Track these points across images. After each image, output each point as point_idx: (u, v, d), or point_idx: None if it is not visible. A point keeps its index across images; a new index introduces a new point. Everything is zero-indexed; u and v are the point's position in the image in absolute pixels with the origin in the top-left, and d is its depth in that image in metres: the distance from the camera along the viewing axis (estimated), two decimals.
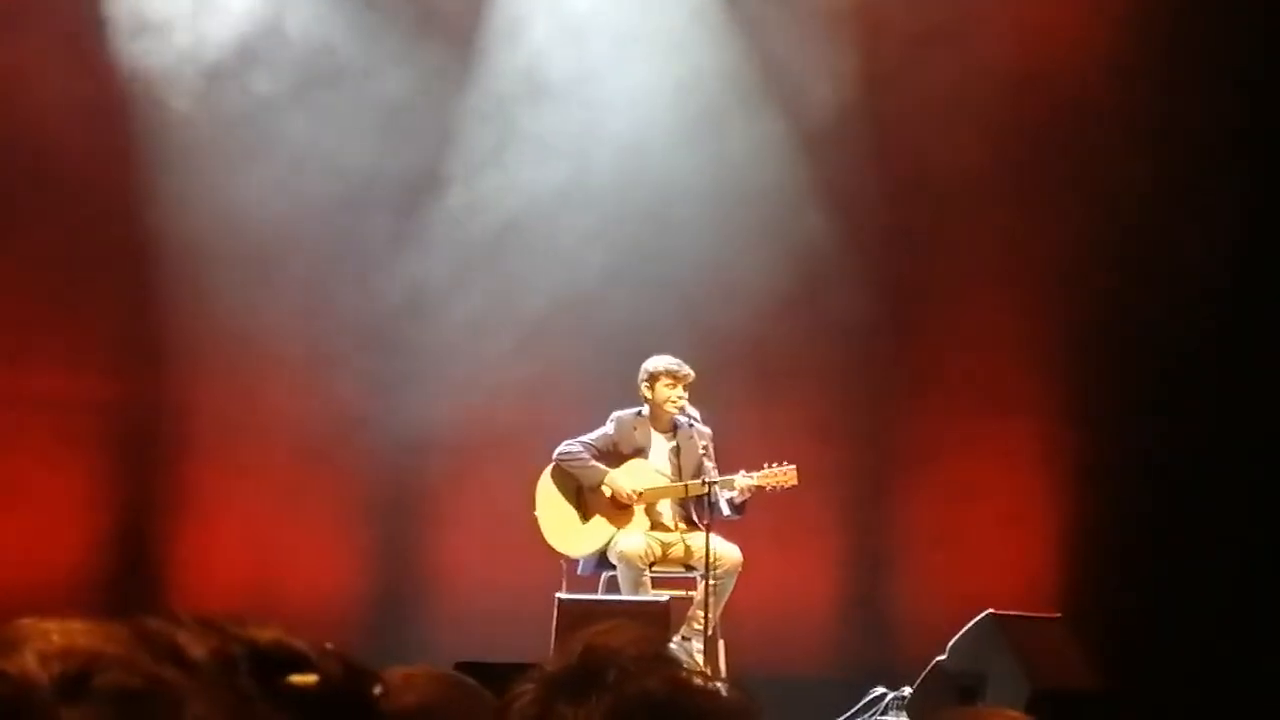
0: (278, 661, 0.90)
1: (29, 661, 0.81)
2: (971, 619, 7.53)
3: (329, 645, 0.92)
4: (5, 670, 0.81)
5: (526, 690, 1.26)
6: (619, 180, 9.63)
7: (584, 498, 8.13)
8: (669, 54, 9.65)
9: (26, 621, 0.84)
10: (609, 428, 8.22)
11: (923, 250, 9.60)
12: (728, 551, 7.92)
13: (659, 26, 9.67)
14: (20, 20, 9.20)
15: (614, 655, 1.25)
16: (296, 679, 0.90)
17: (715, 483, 7.86)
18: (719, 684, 1.29)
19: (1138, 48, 9.39)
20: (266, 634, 0.90)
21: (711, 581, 7.75)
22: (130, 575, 9.21)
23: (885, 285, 9.58)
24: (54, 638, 0.82)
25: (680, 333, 9.03)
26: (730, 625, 8.05)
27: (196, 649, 0.85)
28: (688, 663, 1.23)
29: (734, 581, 7.95)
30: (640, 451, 8.19)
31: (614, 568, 8.02)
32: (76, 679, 0.81)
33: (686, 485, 8.07)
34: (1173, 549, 9.11)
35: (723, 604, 7.94)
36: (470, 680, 1.69)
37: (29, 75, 9.16)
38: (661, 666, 1.25)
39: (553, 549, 8.11)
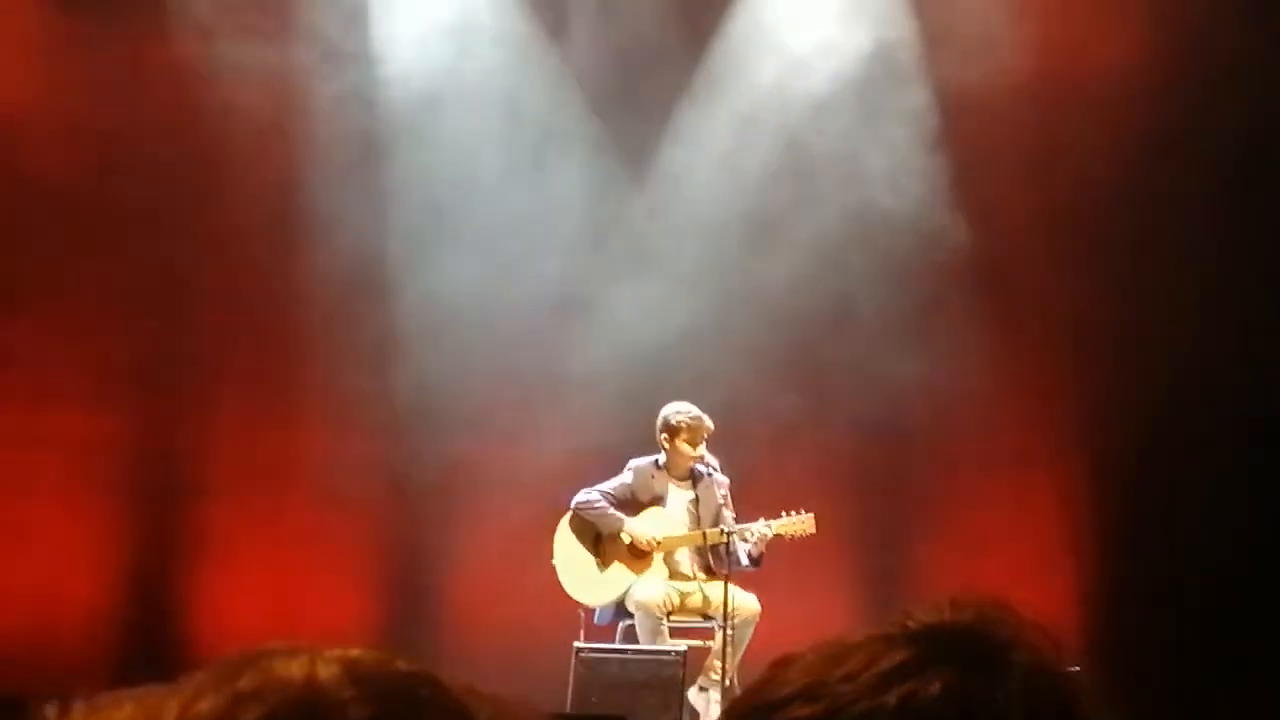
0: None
1: (344, 690, 0.83)
2: None
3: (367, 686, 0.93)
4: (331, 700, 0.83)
5: None
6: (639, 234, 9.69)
7: (602, 546, 8.12)
8: None
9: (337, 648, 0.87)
10: (627, 476, 8.21)
11: (942, 302, 9.58)
12: (746, 601, 7.90)
13: None
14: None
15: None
16: None
17: (734, 531, 7.85)
18: None
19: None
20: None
21: (729, 631, 7.72)
22: (147, 617, 9.21)
23: (904, 335, 9.57)
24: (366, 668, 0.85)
25: (698, 379, 9.04)
26: (748, 675, 8.00)
27: (484, 715, 0.87)
28: None
29: (752, 631, 7.92)
30: (658, 500, 8.18)
31: (632, 616, 8.00)
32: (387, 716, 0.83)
33: (705, 534, 8.05)
34: (1192, 601, 9.07)
35: (740, 653, 7.91)
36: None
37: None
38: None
39: (570, 597, 8.09)
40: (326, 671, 0.85)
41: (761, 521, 7.93)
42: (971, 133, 9.53)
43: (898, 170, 9.56)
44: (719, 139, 9.71)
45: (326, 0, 9.56)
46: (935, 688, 1.08)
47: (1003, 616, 1.17)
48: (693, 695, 7.84)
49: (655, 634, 7.90)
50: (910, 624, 1.14)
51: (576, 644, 7.78)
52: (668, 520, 8.14)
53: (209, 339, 9.49)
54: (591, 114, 9.75)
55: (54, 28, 9.38)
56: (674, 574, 8.14)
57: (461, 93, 9.68)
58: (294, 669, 0.85)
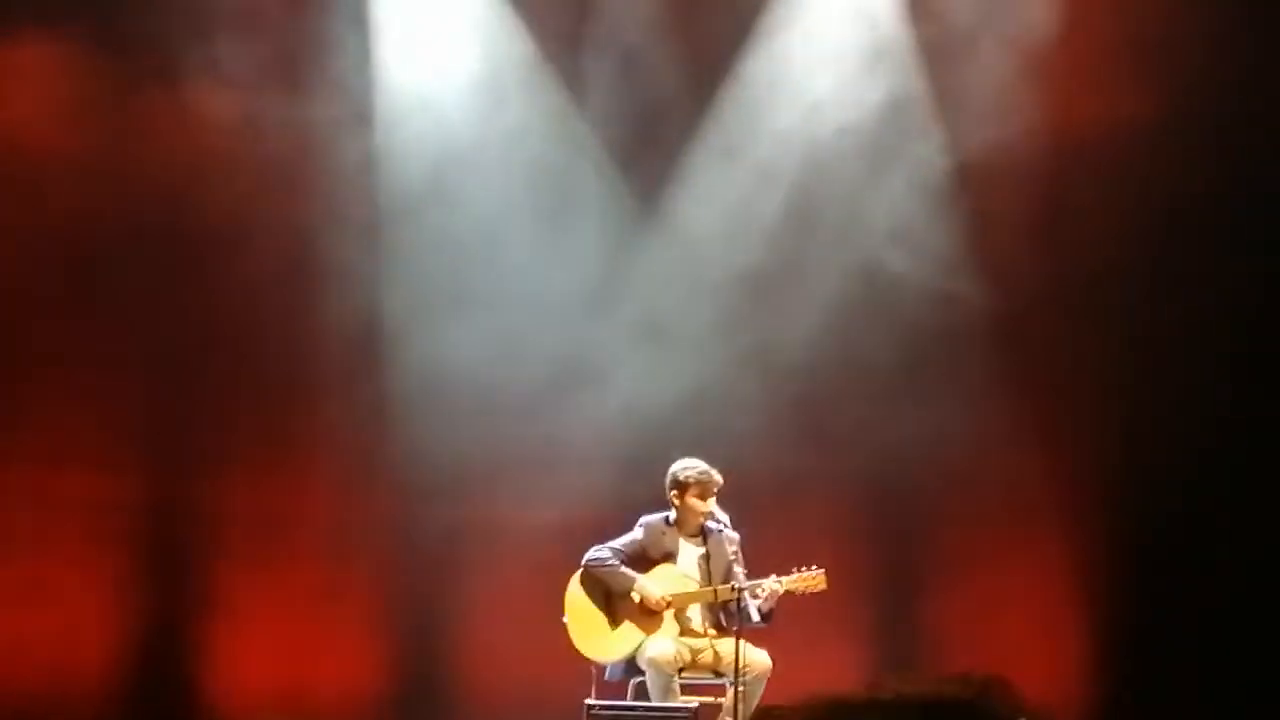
0: None
1: None
2: None
3: None
4: None
5: None
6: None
7: (613, 603, 8.12)
8: None
9: None
10: (638, 533, 8.22)
11: (953, 358, 9.60)
12: (757, 657, 7.89)
13: None
14: None
15: None
16: None
17: (745, 588, 7.84)
18: None
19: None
20: None
21: (740, 687, 7.71)
22: (159, 674, 9.22)
23: (915, 391, 9.58)
24: None
25: (707, 435, 9.06)
26: None
27: None
28: None
29: (763, 687, 7.91)
30: (669, 556, 8.18)
31: (643, 673, 7.99)
32: None
33: (716, 590, 8.05)
34: (1208, 659, 9.05)
35: (752, 710, 7.89)
36: None
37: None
38: None
39: (582, 654, 8.09)
40: None
41: (773, 578, 7.93)
42: (984, 190, 9.56)
43: (910, 228, 9.59)
44: (731, 194, 9.75)
45: (350, 60, 9.62)
46: None
47: (1005, 694, 1.19)
48: None
49: (667, 691, 7.89)
50: (907, 692, 1.16)
51: (588, 701, 7.78)
52: (679, 577, 8.14)
53: (219, 398, 9.51)
54: (606, 172, 9.80)
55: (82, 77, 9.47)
56: (685, 630, 8.13)
57: (479, 153, 9.72)
58: None
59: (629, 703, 7.96)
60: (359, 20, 9.63)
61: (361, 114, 9.62)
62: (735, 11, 9.81)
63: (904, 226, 9.58)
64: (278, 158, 9.49)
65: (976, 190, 9.55)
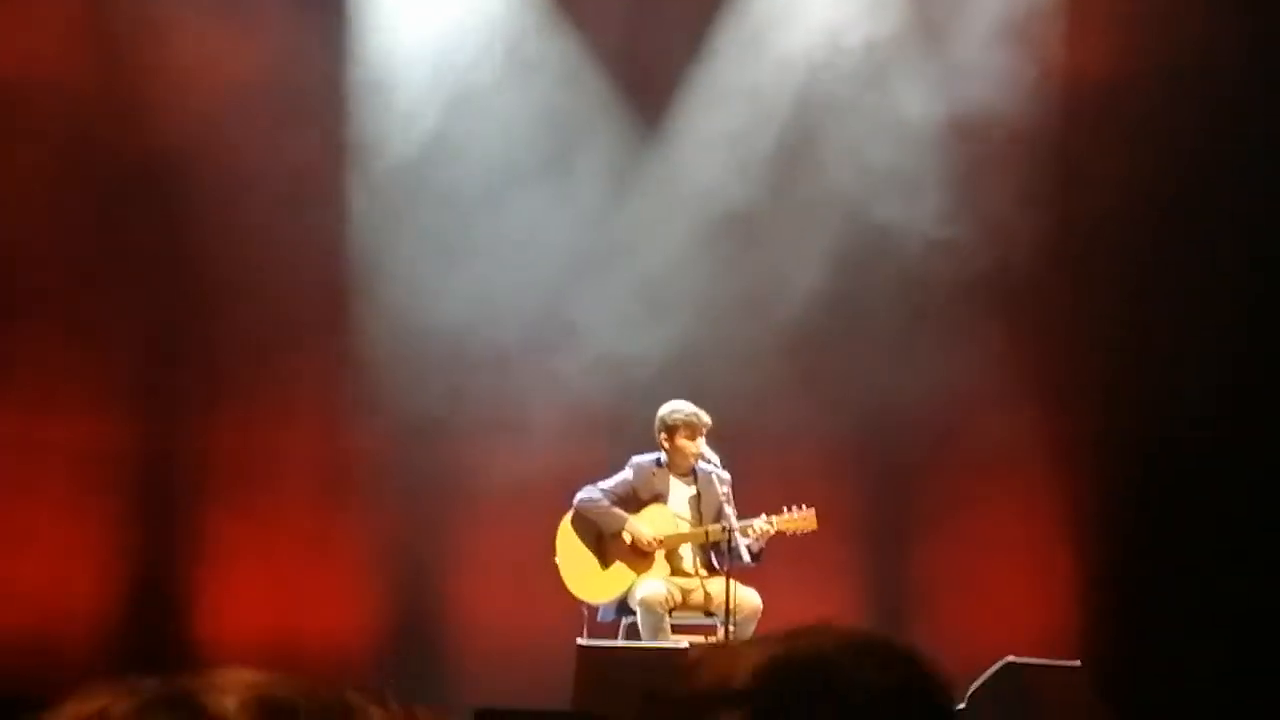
0: None
1: (230, 704, 0.85)
2: (991, 666, 7.51)
3: None
4: (206, 708, 0.85)
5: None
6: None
7: (604, 544, 8.13)
8: None
9: (230, 669, 0.88)
10: (628, 473, 8.22)
11: (944, 303, 9.59)
12: (747, 597, 7.91)
13: None
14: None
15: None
16: None
17: (735, 528, 7.85)
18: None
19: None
20: None
21: (731, 627, 7.74)
22: (149, 619, 9.22)
23: (905, 337, 9.57)
24: (259, 688, 0.86)
25: (696, 374, 9.06)
26: None
27: None
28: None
29: (754, 627, 7.93)
30: (659, 497, 8.19)
31: (634, 614, 8.01)
32: None
33: (707, 531, 8.06)
34: (1192, 598, 9.08)
35: None
36: None
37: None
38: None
39: (573, 595, 8.10)
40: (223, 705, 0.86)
41: (763, 517, 7.94)
42: (982, 140, 9.51)
43: (906, 178, 9.55)
44: (726, 138, 9.70)
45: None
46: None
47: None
48: None
49: (658, 631, 7.91)
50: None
51: (579, 641, 7.79)
52: (669, 517, 8.16)
53: (206, 344, 9.49)
54: (604, 118, 9.75)
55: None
56: (676, 571, 8.15)
57: (477, 100, 9.68)
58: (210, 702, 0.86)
59: (620, 643, 7.98)
60: None
61: (360, 61, 9.59)
62: None
63: (901, 177, 9.54)
64: (270, 105, 9.43)
65: (975, 140, 9.51)
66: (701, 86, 9.78)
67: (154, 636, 9.10)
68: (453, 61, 9.67)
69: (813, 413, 9.49)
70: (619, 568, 8.11)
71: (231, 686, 0.87)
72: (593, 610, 8.14)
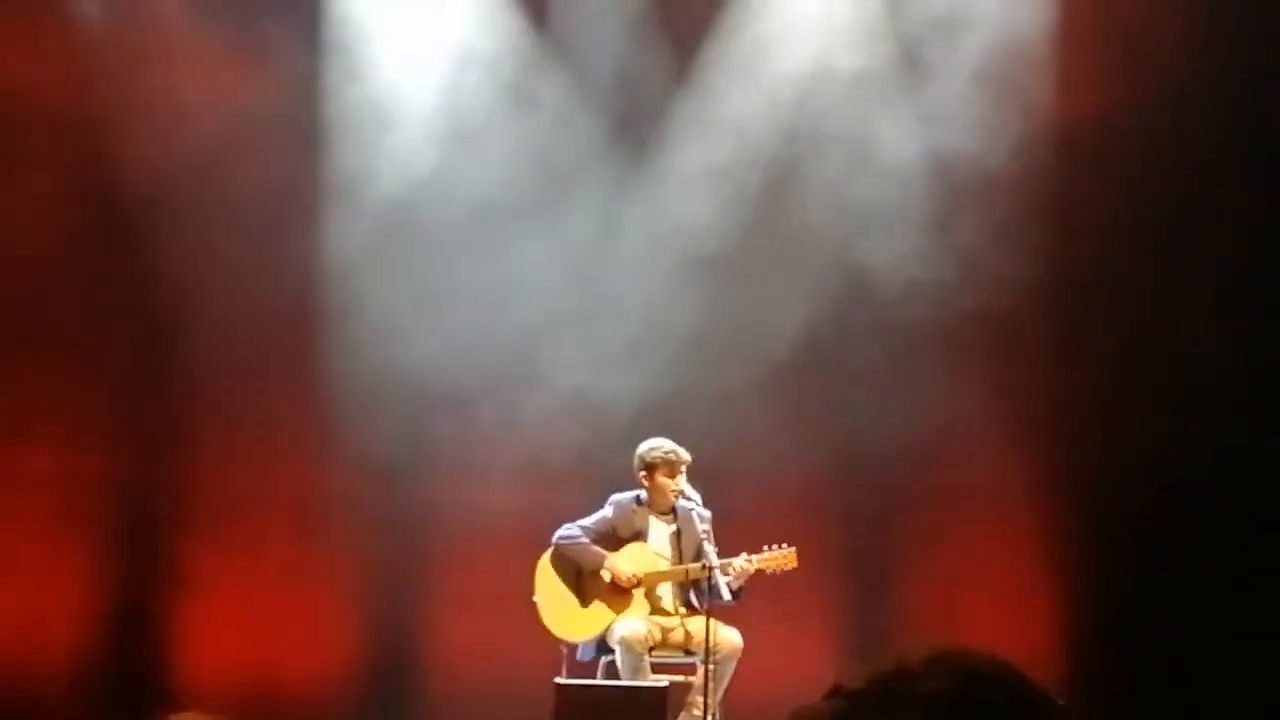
0: None
1: None
2: None
3: None
4: None
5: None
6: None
7: (584, 582, 8.11)
8: None
9: (195, 714, 0.88)
10: (608, 511, 8.20)
11: (923, 337, 9.60)
12: (728, 636, 7.88)
13: None
14: None
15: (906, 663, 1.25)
16: None
17: (715, 566, 7.83)
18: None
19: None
20: None
21: (711, 666, 7.71)
22: (127, 653, 9.19)
23: (885, 375, 9.58)
24: None
25: (677, 412, 9.06)
26: (730, 710, 8.00)
27: None
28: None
29: (734, 666, 7.91)
30: (639, 535, 8.17)
31: (614, 652, 7.98)
32: None
33: (687, 569, 8.05)
34: (1175, 631, 9.08)
35: (723, 688, 7.90)
36: None
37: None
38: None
39: (552, 633, 8.08)
40: None
41: (743, 556, 7.92)
42: (962, 181, 9.54)
43: (887, 216, 9.58)
44: (705, 174, 9.72)
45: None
46: None
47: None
48: None
49: (637, 670, 7.88)
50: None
51: (558, 680, 7.76)
52: (649, 555, 8.14)
53: (186, 377, 9.47)
54: (591, 152, 9.77)
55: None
56: (655, 609, 8.12)
57: (462, 136, 9.70)
58: None
59: (599, 681, 7.96)
60: None
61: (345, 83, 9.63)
62: None
63: (883, 216, 9.57)
64: (254, 139, 9.44)
65: (957, 179, 9.53)
66: (688, 121, 9.80)
67: (131, 669, 9.06)
68: (446, 100, 9.68)
69: (793, 450, 9.49)
70: (598, 606, 8.08)
71: None
72: (572, 649, 8.11)
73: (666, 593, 8.16)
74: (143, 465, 9.46)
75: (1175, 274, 9.46)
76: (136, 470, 9.45)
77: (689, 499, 8.06)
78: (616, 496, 8.23)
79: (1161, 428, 9.35)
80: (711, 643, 7.67)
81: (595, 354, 9.55)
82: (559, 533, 8.13)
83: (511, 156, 9.69)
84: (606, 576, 8.05)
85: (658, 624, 8.06)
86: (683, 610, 8.13)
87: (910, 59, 9.63)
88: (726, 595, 7.79)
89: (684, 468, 8.10)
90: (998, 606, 9.35)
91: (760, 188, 9.69)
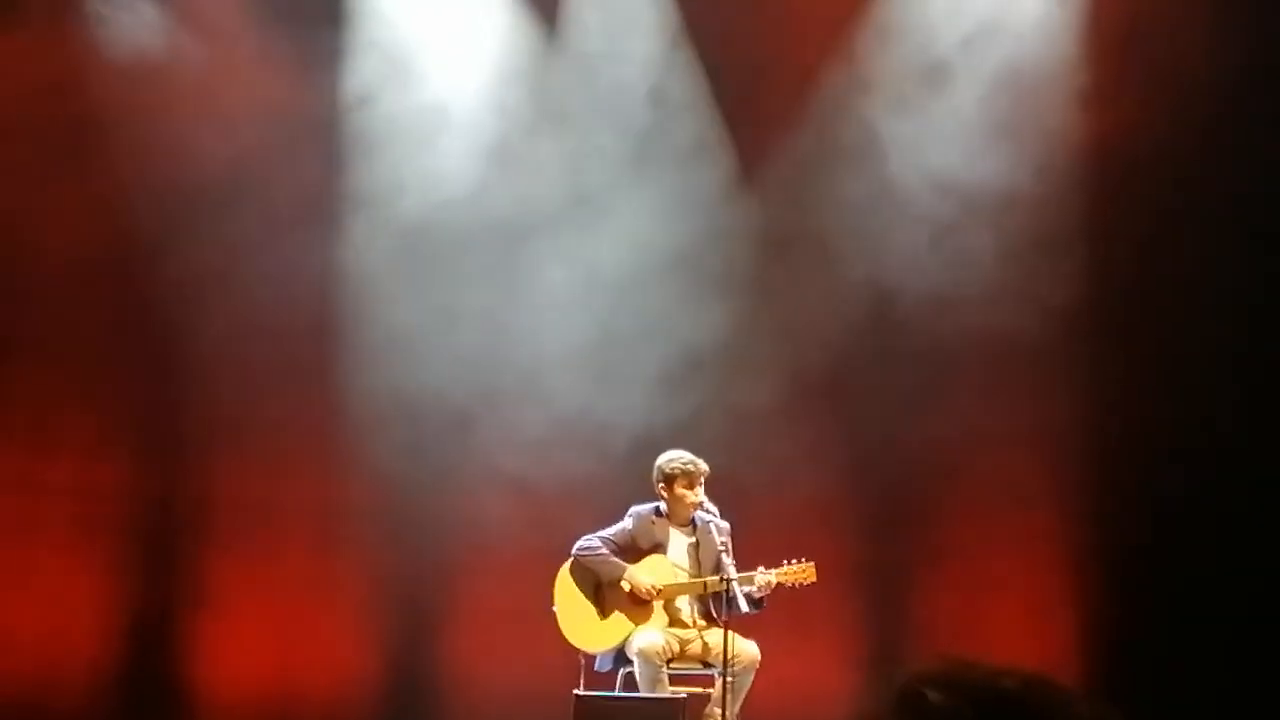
0: None
1: None
2: None
3: None
4: None
5: None
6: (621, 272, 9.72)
7: (603, 593, 8.11)
8: None
9: None
10: (627, 523, 8.21)
11: (943, 343, 9.60)
12: (746, 648, 7.88)
13: None
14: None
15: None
16: None
17: (734, 578, 7.83)
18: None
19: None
20: None
21: (729, 678, 7.71)
22: (147, 663, 9.21)
23: (906, 375, 9.58)
24: None
25: (695, 423, 9.07)
26: None
27: None
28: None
29: (752, 678, 7.91)
30: (659, 547, 8.18)
31: (632, 664, 7.99)
32: None
33: (706, 582, 8.05)
34: (1195, 640, 9.07)
35: (741, 700, 7.89)
36: None
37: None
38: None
39: (571, 644, 8.08)
40: None
41: (761, 570, 7.92)
42: (987, 200, 9.55)
43: (909, 232, 9.59)
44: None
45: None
46: None
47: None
48: None
49: (655, 682, 7.88)
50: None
51: (576, 691, 7.77)
52: (668, 567, 8.14)
53: (206, 386, 9.50)
54: (614, 175, 9.81)
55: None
56: (674, 621, 8.13)
57: (488, 147, 9.73)
58: None
59: (618, 693, 7.96)
60: None
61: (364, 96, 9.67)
62: None
63: (904, 232, 9.58)
64: (276, 143, 9.48)
65: (979, 198, 9.54)
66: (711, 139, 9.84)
67: (151, 680, 9.08)
68: (481, 117, 9.71)
69: (809, 462, 9.49)
70: (617, 617, 8.09)
71: None
72: (590, 660, 8.11)
73: (685, 605, 8.17)
74: (162, 475, 9.49)
75: (1201, 289, 9.45)
76: (156, 480, 9.48)
77: (708, 511, 8.07)
78: (636, 508, 8.24)
79: (1183, 438, 9.33)
80: (730, 655, 7.67)
81: (615, 372, 9.56)
82: (579, 544, 8.14)
83: (539, 175, 9.71)
84: (626, 588, 8.05)
85: (676, 636, 8.07)
86: (701, 622, 8.13)
87: (938, 75, 9.64)
88: (745, 607, 7.78)
89: (703, 479, 8.10)
90: (1016, 617, 9.34)
91: (782, 205, 9.72)
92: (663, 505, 8.19)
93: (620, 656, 8.06)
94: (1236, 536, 9.23)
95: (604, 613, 8.10)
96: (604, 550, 8.10)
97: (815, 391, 9.57)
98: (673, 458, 8.18)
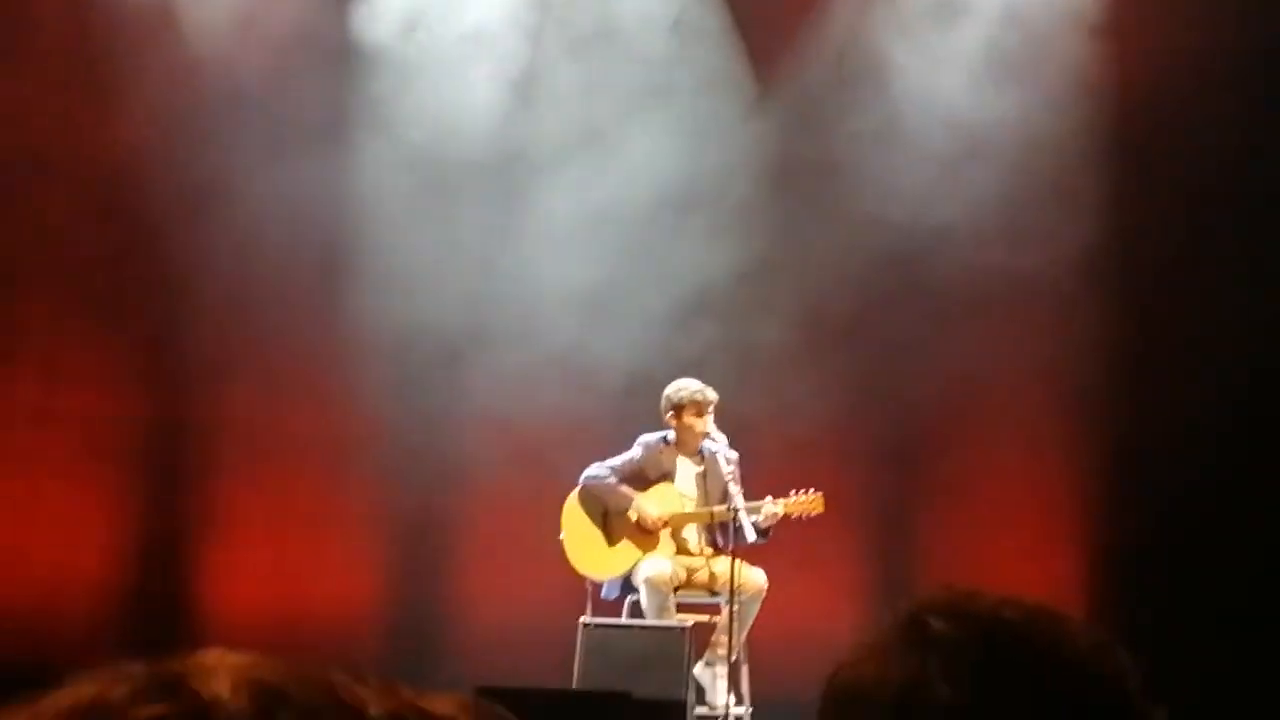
0: None
1: (222, 689, 0.85)
2: None
3: None
4: (199, 692, 0.84)
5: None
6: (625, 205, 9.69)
7: (610, 522, 8.13)
8: None
9: (220, 651, 0.88)
10: (635, 452, 8.22)
11: (955, 279, 9.58)
12: (752, 576, 7.90)
13: None
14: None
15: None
16: None
17: (741, 509, 7.84)
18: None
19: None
20: (439, 708, 0.92)
21: (735, 607, 7.73)
22: (155, 590, 9.24)
23: (918, 311, 9.57)
24: (248, 671, 0.86)
25: (706, 352, 9.06)
26: (754, 650, 8.03)
27: (375, 709, 0.88)
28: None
29: (758, 606, 7.94)
30: (667, 476, 8.19)
31: (638, 592, 8.01)
32: (261, 714, 0.84)
33: (713, 511, 8.06)
34: (1201, 579, 9.07)
35: (746, 629, 7.92)
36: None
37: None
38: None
39: (578, 572, 8.11)
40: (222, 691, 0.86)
41: (769, 500, 7.93)
42: (1004, 138, 9.51)
43: (923, 167, 9.55)
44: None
45: None
46: None
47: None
48: (699, 670, 7.86)
49: (662, 609, 7.91)
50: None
51: (583, 619, 7.80)
52: (676, 496, 8.15)
53: (216, 314, 9.50)
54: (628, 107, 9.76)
55: None
56: (681, 550, 8.15)
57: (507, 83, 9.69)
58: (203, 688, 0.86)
59: (624, 620, 7.99)
60: None
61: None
62: None
63: (918, 167, 9.54)
64: (286, 59, 9.44)
65: (995, 134, 9.49)
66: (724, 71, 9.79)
67: (158, 604, 9.12)
68: (499, 47, 9.66)
69: (817, 395, 9.48)
70: (625, 545, 8.11)
71: (221, 670, 0.86)
72: (597, 587, 8.14)
73: (692, 533, 8.19)
74: (171, 403, 9.50)
75: (1221, 228, 9.40)
76: (165, 408, 9.49)
77: (716, 441, 8.07)
78: (644, 437, 8.25)
79: (1188, 373, 9.31)
80: (736, 583, 7.69)
81: (628, 298, 9.54)
82: (587, 472, 8.15)
83: (553, 106, 9.67)
84: (633, 516, 8.07)
85: (683, 564, 8.09)
86: (708, 551, 8.16)
87: (947, 9, 9.58)
88: (752, 536, 7.80)
89: (711, 408, 8.10)
90: (1023, 552, 9.35)
91: (794, 140, 9.68)
92: (671, 434, 8.20)
93: (627, 584, 8.09)
94: (1249, 469, 9.22)
95: (611, 541, 8.12)
96: (612, 479, 8.11)
97: (824, 327, 9.55)
98: (681, 386, 8.18)
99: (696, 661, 7.81)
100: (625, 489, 8.10)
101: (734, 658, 7.81)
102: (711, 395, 8.11)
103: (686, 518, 8.12)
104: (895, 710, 1.18)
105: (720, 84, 9.78)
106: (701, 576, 8.11)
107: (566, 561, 8.09)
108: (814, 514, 7.99)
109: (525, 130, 9.71)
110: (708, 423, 8.09)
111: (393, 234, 9.62)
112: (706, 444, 8.12)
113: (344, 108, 9.63)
